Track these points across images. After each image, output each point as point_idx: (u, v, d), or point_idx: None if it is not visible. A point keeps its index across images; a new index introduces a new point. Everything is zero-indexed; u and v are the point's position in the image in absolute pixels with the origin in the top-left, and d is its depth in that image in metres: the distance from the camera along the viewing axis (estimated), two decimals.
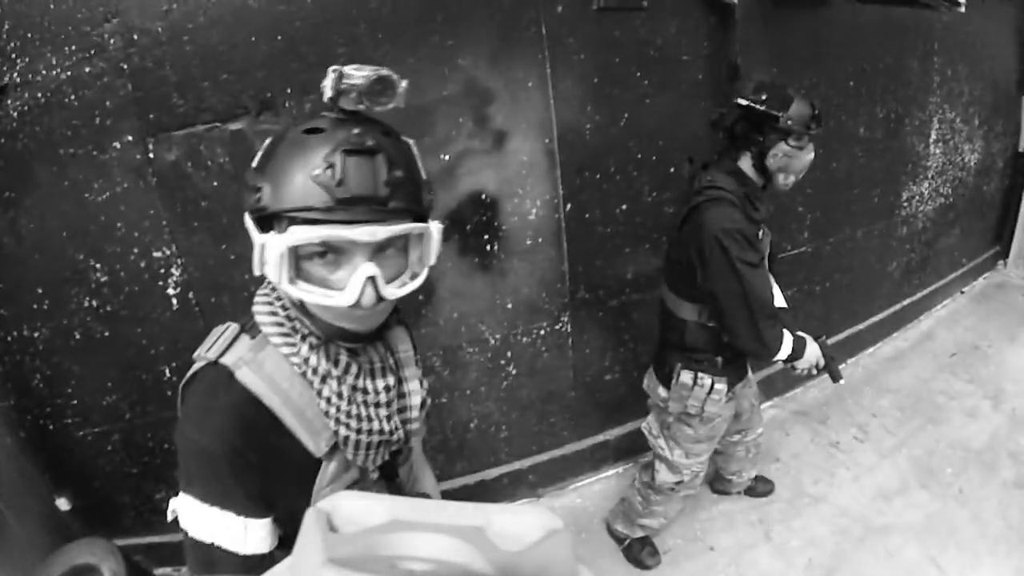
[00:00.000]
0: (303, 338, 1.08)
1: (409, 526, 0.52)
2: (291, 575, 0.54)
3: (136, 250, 2.13)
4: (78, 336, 2.21)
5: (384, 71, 0.97)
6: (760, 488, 3.22)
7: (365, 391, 1.14)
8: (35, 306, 2.15)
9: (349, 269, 0.97)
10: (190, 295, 2.19)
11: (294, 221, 0.93)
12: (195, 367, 1.08)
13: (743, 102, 2.06)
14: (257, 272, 0.97)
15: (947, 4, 2.65)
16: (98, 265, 2.13)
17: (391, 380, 1.18)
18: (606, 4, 2.45)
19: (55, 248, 2.08)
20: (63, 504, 2.42)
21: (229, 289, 2.23)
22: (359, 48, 2.06)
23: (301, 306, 1.07)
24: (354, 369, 1.12)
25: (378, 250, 0.98)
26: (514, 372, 2.72)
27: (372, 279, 0.96)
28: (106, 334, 2.23)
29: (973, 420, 4.02)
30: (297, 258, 0.96)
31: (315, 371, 1.08)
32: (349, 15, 2.04)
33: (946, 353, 4.68)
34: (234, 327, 1.11)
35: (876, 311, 4.53)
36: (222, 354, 1.07)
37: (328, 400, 1.09)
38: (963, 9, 2.59)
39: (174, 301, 2.21)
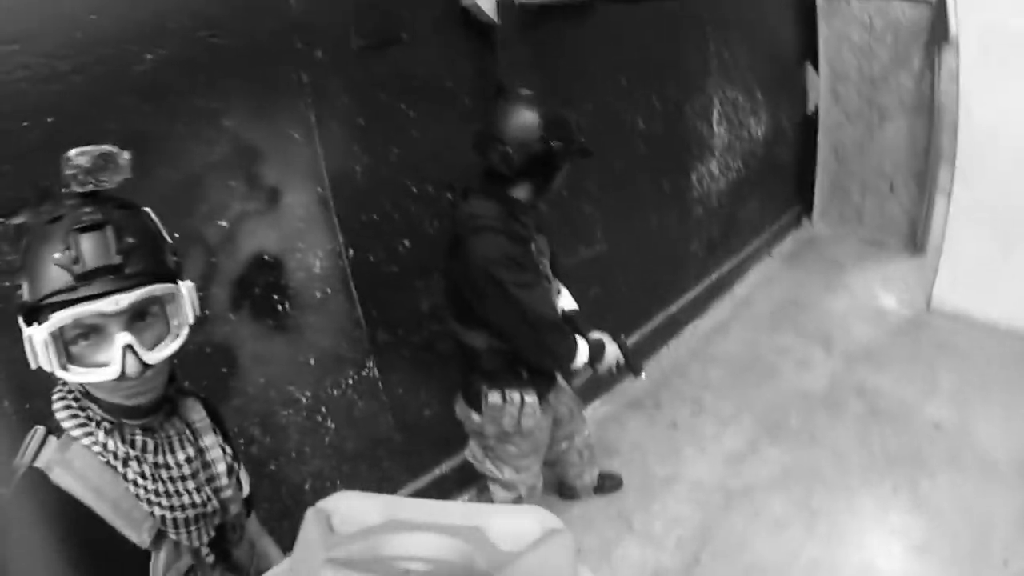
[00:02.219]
0: (97, 424, 1.10)
1: (408, 526, 0.53)
2: (291, 575, 0.55)
3: None
4: None
5: (104, 148, 1.03)
6: (608, 484, 3.31)
7: (167, 466, 1.15)
8: None
9: (109, 343, 1.02)
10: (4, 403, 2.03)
11: (52, 308, 0.98)
12: (16, 476, 1.08)
13: (542, 144, 2.07)
14: (33, 366, 1.01)
15: None
16: None
17: (191, 451, 1.20)
18: (365, 43, 2.46)
19: None
20: None
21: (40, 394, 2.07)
22: (127, 122, 1.97)
23: (86, 393, 1.10)
24: (151, 446, 1.14)
25: (134, 319, 1.04)
26: (333, 426, 2.70)
27: (130, 347, 1.01)
28: None
29: (808, 369, 4.32)
30: (65, 344, 1.02)
31: (116, 456, 1.10)
32: (116, 88, 1.95)
33: (766, 314, 5.01)
34: (41, 430, 1.12)
35: (687, 290, 4.77)
36: (34, 458, 1.08)
37: (135, 483, 1.10)
38: None
39: None
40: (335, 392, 2.68)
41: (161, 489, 1.13)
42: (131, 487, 1.10)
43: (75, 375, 1.02)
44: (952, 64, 4.77)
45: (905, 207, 5.98)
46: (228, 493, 1.26)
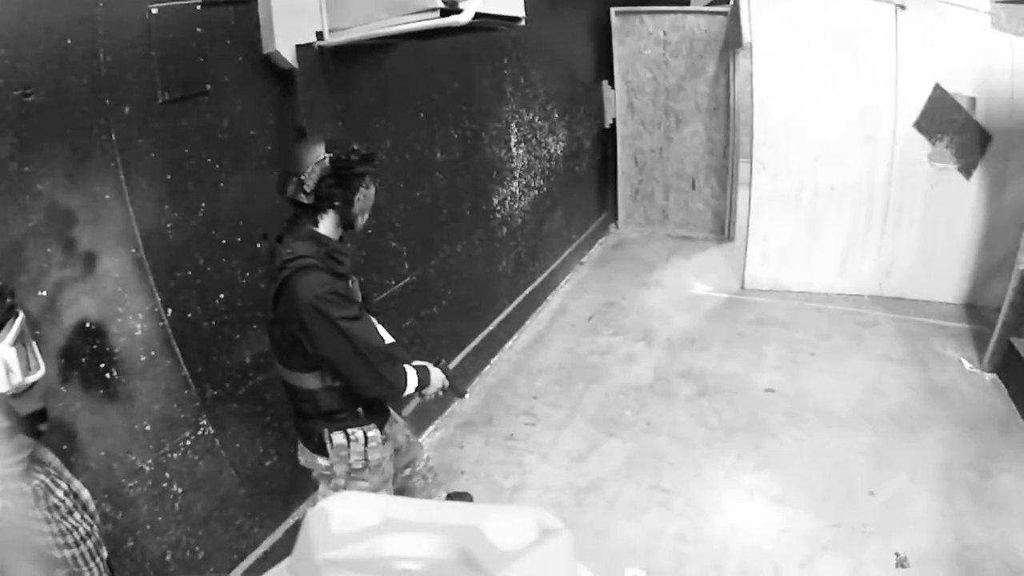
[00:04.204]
0: None
1: (406, 527, 0.53)
2: (290, 575, 0.55)
3: None
4: None
5: None
6: (459, 501, 3.39)
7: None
8: None
9: None
10: None
11: None
12: None
13: (325, 161, 2.19)
14: None
15: (505, 23, 3.03)
16: None
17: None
18: (170, 96, 2.49)
19: None
20: None
21: None
22: None
23: None
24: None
25: None
26: (180, 491, 2.67)
27: None
28: None
29: (633, 363, 4.60)
30: None
31: None
32: None
33: (583, 319, 5.31)
34: None
35: (501, 309, 5.01)
36: None
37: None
38: (523, 23, 2.97)
39: None
40: (175, 456, 2.64)
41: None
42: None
43: None
44: (746, 67, 5.44)
45: (708, 201, 6.62)
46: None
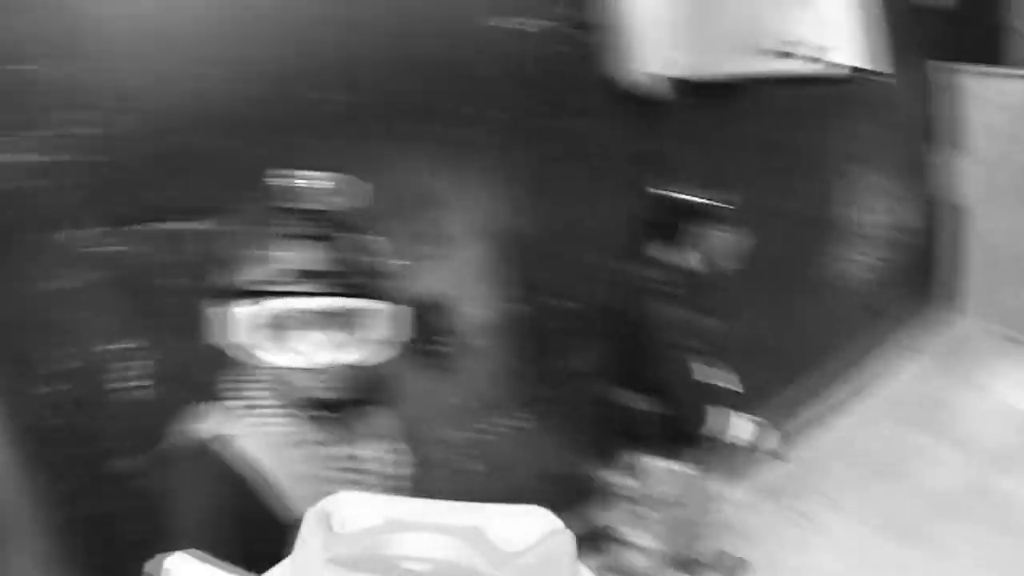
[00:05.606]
0: (279, 409, 1.23)
1: (408, 526, 0.54)
2: (291, 575, 0.56)
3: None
4: None
5: (338, 175, 1.21)
6: None
7: (338, 458, 1.27)
8: None
9: (311, 337, 1.14)
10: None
11: (266, 295, 1.13)
12: (192, 443, 1.20)
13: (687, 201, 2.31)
14: (231, 341, 1.18)
15: (863, 76, 2.88)
16: None
17: (359, 452, 1.31)
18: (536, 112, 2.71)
19: None
20: None
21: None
22: None
23: (272, 378, 1.22)
24: (327, 437, 1.26)
25: (339, 323, 1.15)
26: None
27: (335, 345, 1.16)
28: None
29: (940, 468, 4.18)
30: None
31: (291, 438, 1.23)
32: None
33: (906, 413, 4.92)
34: (218, 405, 1.25)
35: (829, 384, 4.76)
36: (212, 430, 1.20)
37: (305, 466, 1.23)
38: (887, 77, 2.89)
39: None
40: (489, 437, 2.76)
41: (338, 478, 1.23)
42: (310, 468, 1.21)
43: (278, 357, 1.14)
44: None
45: None
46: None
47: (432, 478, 2.60)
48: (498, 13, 2.59)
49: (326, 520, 0.55)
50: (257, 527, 1.13)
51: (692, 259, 2.35)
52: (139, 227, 2.06)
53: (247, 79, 2.13)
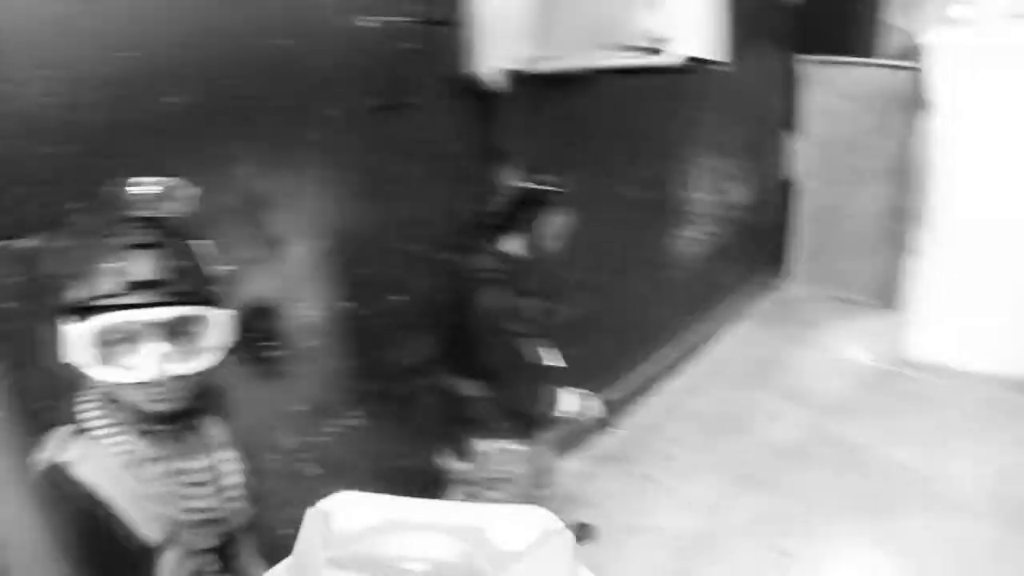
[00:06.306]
0: (120, 427, 1.20)
1: (408, 526, 0.55)
2: (290, 575, 0.58)
3: None
4: None
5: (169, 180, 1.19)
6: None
7: (183, 472, 1.26)
8: None
9: (142, 350, 1.12)
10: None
11: (97, 311, 1.10)
12: (39, 469, 1.17)
13: (519, 186, 2.34)
14: (64, 360, 1.14)
15: (705, 66, 2.96)
16: None
17: (206, 461, 1.31)
18: (374, 104, 2.63)
19: None
20: None
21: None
22: None
23: (109, 396, 1.19)
24: (169, 452, 1.25)
25: (171, 333, 1.14)
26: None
27: (163, 355, 1.14)
28: None
29: (778, 422, 4.45)
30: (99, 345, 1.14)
31: (135, 456, 1.20)
32: None
33: (739, 372, 5.22)
34: (64, 429, 1.20)
35: (661, 351, 4.95)
36: (57, 454, 1.16)
37: (152, 483, 1.20)
38: (727, 66, 2.96)
39: None
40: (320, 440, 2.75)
41: (176, 492, 1.22)
42: (147, 487, 1.19)
43: (107, 373, 1.12)
44: (932, 127, 4.98)
45: (880, 266, 6.12)
46: (236, 505, 1.37)
47: (267, 485, 2.62)
48: (342, 11, 2.53)
49: (326, 519, 0.56)
50: (109, 556, 1.14)
51: (519, 244, 2.40)
52: None
53: (81, 81, 1.97)
